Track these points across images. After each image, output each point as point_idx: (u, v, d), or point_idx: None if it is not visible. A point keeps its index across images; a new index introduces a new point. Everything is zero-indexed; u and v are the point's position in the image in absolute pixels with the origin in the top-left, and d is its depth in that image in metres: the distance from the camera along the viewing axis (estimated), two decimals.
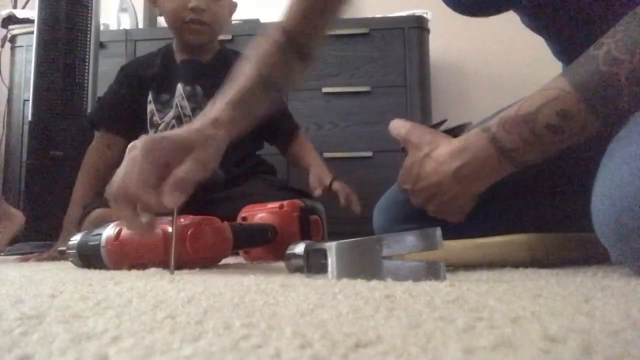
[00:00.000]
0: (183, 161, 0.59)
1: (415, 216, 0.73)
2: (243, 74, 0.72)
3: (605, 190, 0.46)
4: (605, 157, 0.49)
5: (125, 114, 1.32)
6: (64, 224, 1.20)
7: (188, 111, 1.27)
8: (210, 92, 1.25)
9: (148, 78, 1.32)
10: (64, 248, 0.75)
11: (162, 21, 2.50)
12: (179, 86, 1.28)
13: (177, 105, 1.27)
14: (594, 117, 0.49)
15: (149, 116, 1.30)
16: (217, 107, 0.68)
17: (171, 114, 1.28)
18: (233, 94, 0.70)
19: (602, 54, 0.47)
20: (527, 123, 0.53)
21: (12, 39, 2.22)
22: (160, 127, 1.28)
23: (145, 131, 1.32)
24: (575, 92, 0.49)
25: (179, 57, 1.34)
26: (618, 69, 0.46)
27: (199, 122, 0.66)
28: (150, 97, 1.31)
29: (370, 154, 1.88)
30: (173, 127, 1.25)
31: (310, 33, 0.75)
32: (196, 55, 1.33)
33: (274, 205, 0.81)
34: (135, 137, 1.28)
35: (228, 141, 0.67)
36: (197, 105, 1.26)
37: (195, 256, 0.63)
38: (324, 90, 2.02)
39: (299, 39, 0.74)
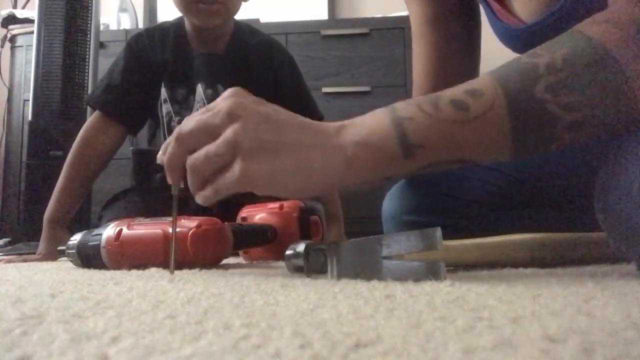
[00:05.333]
0: None
1: (423, 208, 0.74)
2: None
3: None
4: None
5: (131, 103, 1.18)
6: (44, 222, 1.07)
7: None
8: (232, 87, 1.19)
9: (160, 64, 1.17)
10: (63, 248, 0.75)
11: (162, 21, 2.50)
12: (199, 89, 1.16)
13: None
14: (503, 101, 0.44)
15: (165, 119, 1.18)
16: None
17: None
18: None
19: (526, 53, 0.47)
20: (432, 98, 0.45)
21: (12, 39, 2.22)
22: None
23: (146, 120, 1.23)
24: (490, 76, 0.46)
25: (193, 42, 1.20)
26: (537, 60, 0.45)
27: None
28: (164, 93, 1.17)
29: None
30: None
31: None
32: (211, 44, 1.19)
33: (274, 205, 0.81)
34: (137, 128, 1.25)
35: None
36: None
37: (196, 257, 0.63)
38: (324, 90, 2.02)
39: None
